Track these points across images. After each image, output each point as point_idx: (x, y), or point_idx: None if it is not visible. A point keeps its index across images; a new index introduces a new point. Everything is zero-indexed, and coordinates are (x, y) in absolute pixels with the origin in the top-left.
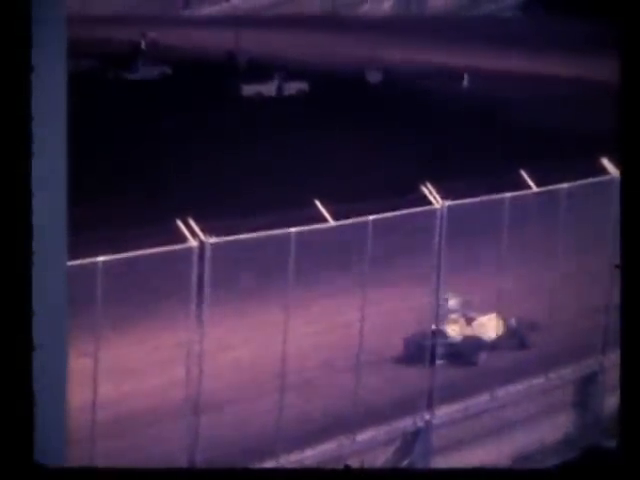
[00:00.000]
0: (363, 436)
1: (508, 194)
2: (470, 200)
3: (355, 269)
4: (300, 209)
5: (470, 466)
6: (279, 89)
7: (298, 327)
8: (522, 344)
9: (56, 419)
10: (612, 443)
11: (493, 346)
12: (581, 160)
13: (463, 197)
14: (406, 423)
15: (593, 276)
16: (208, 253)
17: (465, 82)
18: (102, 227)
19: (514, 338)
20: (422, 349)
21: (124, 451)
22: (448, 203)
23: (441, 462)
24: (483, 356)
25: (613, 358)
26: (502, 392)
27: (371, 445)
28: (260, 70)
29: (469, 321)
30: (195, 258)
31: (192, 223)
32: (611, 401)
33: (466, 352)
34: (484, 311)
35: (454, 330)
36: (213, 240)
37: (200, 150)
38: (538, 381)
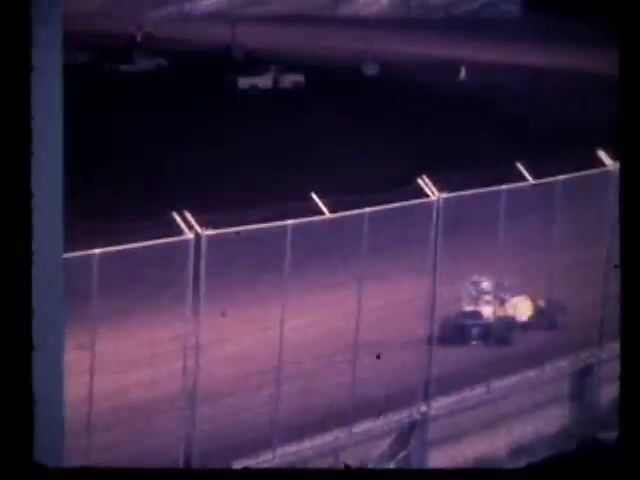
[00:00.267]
0: (360, 428)
1: (504, 186)
2: (466, 192)
3: (351, 261)
4: (296, 201)
5: (466, 459)
6: (275, 82)
7: (294, 319)
8: (552, 325)
9: (56, 419)
10: (608, 435)
11: (525, 326)
12: (577, 152)
13: (459, 189)
14: (402, 415)
15: (589, 269)
16: (204, 245)
17: (462, 75)
18: (99, 219)
19: (544, 319)
20: (456, 329)
21: (120, 444)
22: (444, 195)
23: (438, 454)
24: (516, 336)
25: (609, 350)
26: (498, 384)
27: (368, 437)
28: (256, 63)
29: (502, 302)
30: (191, 250)
31: (188, 215)
32: (608, 393)
33: (501, 332)
34: (514, 293)
35: (488, 311)
36: (209, 232)
37: (196, 143)
38: (534, 373)
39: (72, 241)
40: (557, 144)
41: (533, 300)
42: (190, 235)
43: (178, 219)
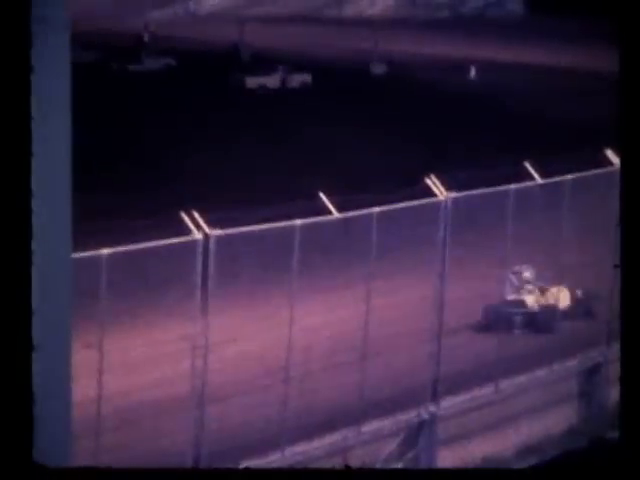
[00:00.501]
0: (368, 427)
1: (513, 186)
2: (474, 192)
3: (360, 261)
4: (304, 201)
5: (474, 459)
6: (283, 81)
7: (302, 319)
8: (589, 313)
9: (56, 418)
10: (616, 434)
11: (565, 315)
12: (586, 151)
13: (467, 189)
14: (411, 415)
15: (596, 268)
16: (212, 245)
17: (472, 74)
18: (106, 219)
19: (581, 308)
20: (500, 317)
21: (128, 444)
22: (452, 195)
23: (446, 454)
24: (558, 324)
25: (617, 350)
26: (506, 384)
27: (376, 437)
28: (264, 63)
29: (543, 292)
30: (199, 250)
31: (196, 215)
32: (616, 393)
33: (543, 321)
34: (552, 283)
35: (531, 300)
36: (217, 232)
37: (204, 142)
38: (542, 373)
39: (80, 241)
40: (567, 143)
41: (571, 290)
42: (198, 235)
43: (186, 219)
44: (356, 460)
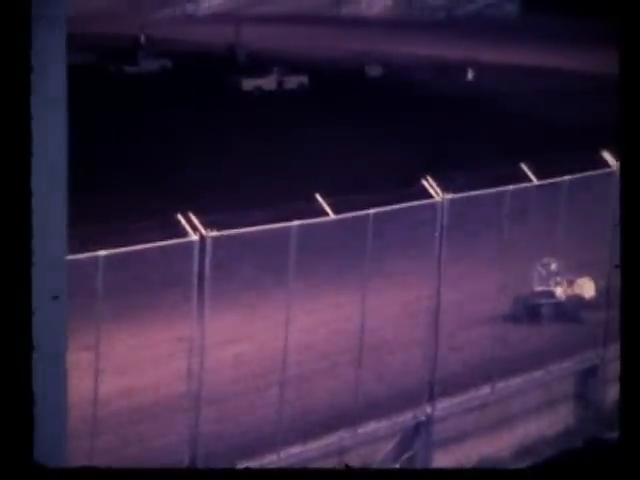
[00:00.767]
0: (364, 429)
1: (510, 187)
2: (471, 193)
3: (356, 262)
4: (301, 203)
5: (470, 460)
6: (279, 83)
7: (299, 320)
8: (611, 304)
9: (56, 419)
10: (613, 435)
11: (591, 306)
12: (582, 153)
13: (464, 190)
14: (406, 417)
15: (593, 269)
16: (209, 247)
17: (470, 76)
18: (103, 221)
19: (605, 299)
20: (529, 307)
21: (123, 445)
22: (448, 196)
23: (442, 455)
24: (585, 314)
25: (614, 350)
26: (502, 385)
27: (373, 438)
28: (260, 64)
29: (570, 283)
30: (196, 252)
31: (193, 217)
32: (612, 393)
33: (572, 310)
34: (579, 274)
35: (559, 291)
36: (214, 234)
37: (200, 144)
38: (539, 374)
39: (77, 242)
40: (563, 144)
41: (595, 281)
42: (195, 237)
43: (182, 221)
44: (352, 462)
